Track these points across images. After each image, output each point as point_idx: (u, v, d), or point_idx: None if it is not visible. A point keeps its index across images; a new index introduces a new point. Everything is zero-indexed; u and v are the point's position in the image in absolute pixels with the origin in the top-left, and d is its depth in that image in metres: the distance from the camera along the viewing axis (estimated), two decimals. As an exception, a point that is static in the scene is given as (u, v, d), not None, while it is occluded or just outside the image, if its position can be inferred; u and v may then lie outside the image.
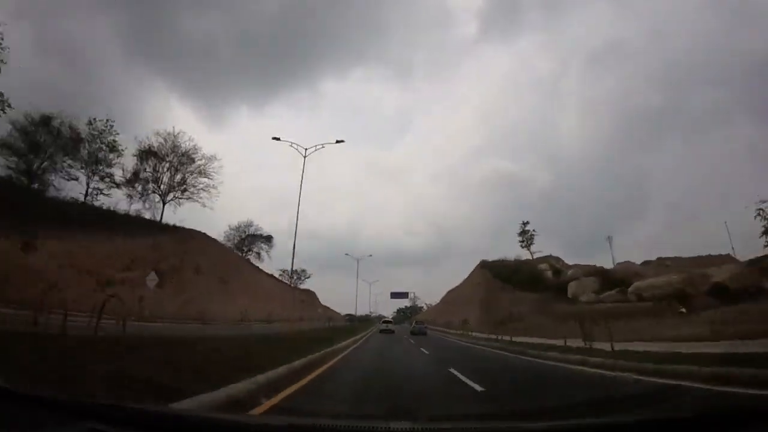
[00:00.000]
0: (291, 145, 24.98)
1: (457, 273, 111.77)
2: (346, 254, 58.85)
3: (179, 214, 59.01)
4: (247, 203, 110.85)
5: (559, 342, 15.05)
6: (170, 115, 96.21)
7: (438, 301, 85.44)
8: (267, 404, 3.97)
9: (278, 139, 25.04)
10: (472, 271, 64.30)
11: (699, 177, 75.23)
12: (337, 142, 26.03)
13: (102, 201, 37.41)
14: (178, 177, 43.28)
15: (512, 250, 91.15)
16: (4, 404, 2.07)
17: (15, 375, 3.61)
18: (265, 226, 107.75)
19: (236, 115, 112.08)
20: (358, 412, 4.04)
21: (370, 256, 69.85)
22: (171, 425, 2.14)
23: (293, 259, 27.15)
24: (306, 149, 24.90)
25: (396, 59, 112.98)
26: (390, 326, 41.11)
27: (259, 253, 63.05)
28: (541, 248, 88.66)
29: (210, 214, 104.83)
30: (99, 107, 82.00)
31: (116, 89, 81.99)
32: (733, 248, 41.07)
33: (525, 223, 60.62)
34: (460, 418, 3.80)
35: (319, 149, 25.22)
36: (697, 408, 3.72)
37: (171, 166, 42.95)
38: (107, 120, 36.75)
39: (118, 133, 37.31)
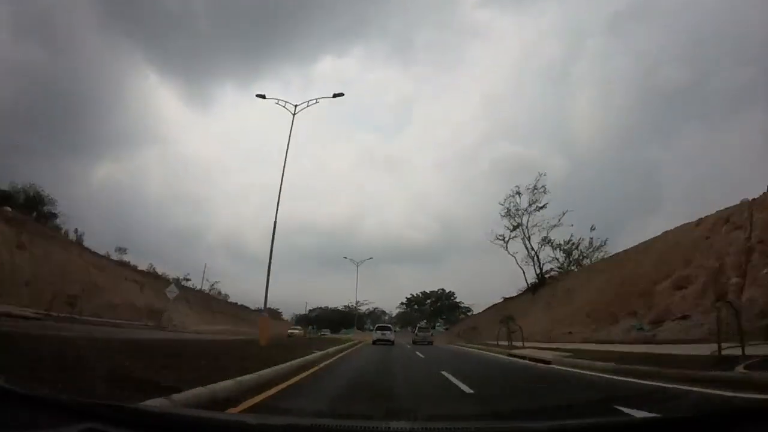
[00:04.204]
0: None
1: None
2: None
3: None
4: (237, 197, 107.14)
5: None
6: (147, 86, 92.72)
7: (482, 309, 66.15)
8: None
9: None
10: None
11: (717, 167, 73.38)
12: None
13: None
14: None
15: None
16: (4, 404, 2.11)
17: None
18: (262, 220, 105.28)
19: (221, 94, 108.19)
20: (359, 412, 4.11)
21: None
22: (171, 425, 2.19)
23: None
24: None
25: (398, 40, 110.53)
26: (388, 334, 30.05)
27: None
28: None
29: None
30: (74, 80, 78.08)
31: (92, 61, 79.04)
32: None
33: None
34: (459, 418, 3.90)
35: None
36: (697, 408, 3.85)
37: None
38: None
39: None
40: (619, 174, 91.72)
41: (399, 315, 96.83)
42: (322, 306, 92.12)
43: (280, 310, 77.59)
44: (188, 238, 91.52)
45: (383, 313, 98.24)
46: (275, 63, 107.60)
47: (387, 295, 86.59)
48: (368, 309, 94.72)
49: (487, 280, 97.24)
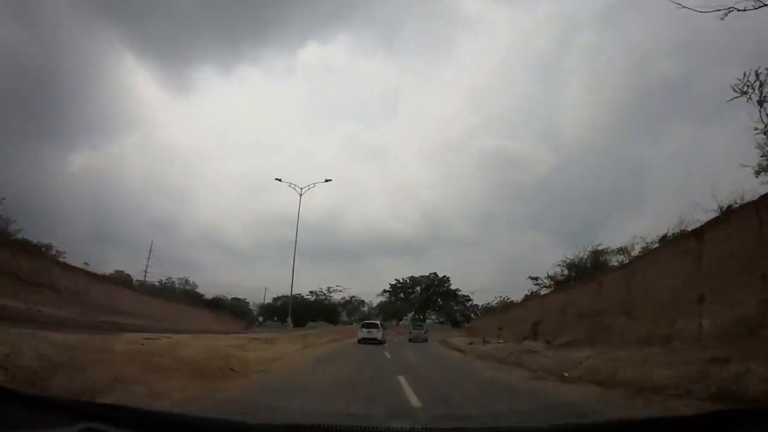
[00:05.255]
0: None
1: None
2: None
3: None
4: (219, 186, 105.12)
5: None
6: (124, 69, 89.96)
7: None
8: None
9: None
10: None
11: (702, 166, 73.96)
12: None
13: None
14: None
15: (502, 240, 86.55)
16: (4, 404, 2.13)
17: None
18: (241, 216, 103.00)
19: (201, 79, 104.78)
20: (359, 412, 4.12)
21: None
22: (171, 425, 2.22)
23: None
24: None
25: (385, 28, 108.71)
26: (375, 332, 26.36)
27: None
28: (534, 238, 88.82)
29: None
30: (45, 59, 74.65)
31: (65, 39, 76.16)
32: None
33: None
34: (459, 419, 3.93)
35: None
36: (697, 408, 3.91)
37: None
38: None
39: None
40: (605, 169, 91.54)
41: (381, 306, 78.62)
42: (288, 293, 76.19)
43: (247, 300, 68.74)
44: (167, 228, 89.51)
45: (362, 303, 79.87)
46: (257, 47, 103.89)
47: (370, 290, 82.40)
48: (343, 298, 77.17)
49: (476, 272, 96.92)
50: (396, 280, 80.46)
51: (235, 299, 63.99)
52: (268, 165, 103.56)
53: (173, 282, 54.62)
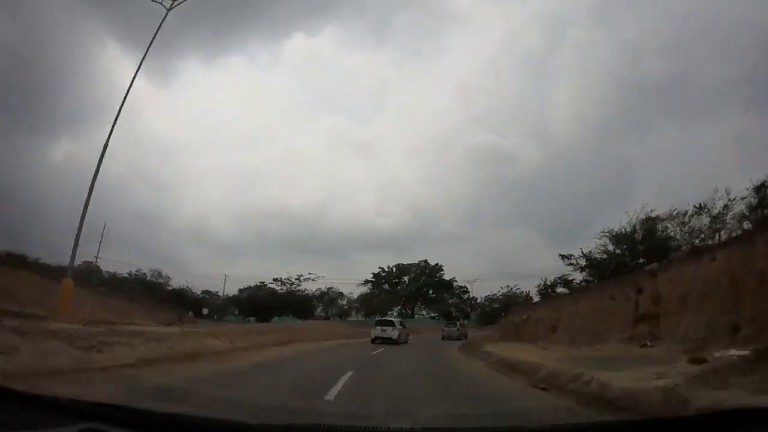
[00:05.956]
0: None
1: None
2: None
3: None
4: (203, 178, 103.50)
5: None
6: (106, 55, 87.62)
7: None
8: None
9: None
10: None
11: (689, 168, 74.77)
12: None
13: None
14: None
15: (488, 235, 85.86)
16: (4, 404, 2.14)
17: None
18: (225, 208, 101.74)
19: (184, 68, 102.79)
20: (359, 412, 4.11)
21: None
22: (171, 425, 2.23)
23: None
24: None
25: (375, 21, 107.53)
26: (389, 331, 23.64)
27: None
28: (521, 236, 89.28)
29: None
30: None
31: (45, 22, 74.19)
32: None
33: None
34: (460, 418, 3.94)
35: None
36: (697, 408, 3.95)
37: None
38: None
39: None
40: (593, 167, 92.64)
41: (362, 298, 66.59)
42: (257, 284, 62.97)
43: (218, 292, 63.88)
44: (151, 222, 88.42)
45: (340, 295, 67.05)
46: (242, 37, 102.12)
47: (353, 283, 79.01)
48: (319, 289, 64.99)
49: (464, 269, 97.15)
50: (380, 268, 70.48)
51: (206, 292, 62.09)
52: (253, 158, 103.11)
53: (144, 274, 53.94)
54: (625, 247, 22.86)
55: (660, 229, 21.52)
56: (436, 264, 70.22)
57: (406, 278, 71.66)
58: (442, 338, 32.31)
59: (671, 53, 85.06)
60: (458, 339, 30.58)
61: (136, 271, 53.15)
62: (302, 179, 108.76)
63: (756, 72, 74.09)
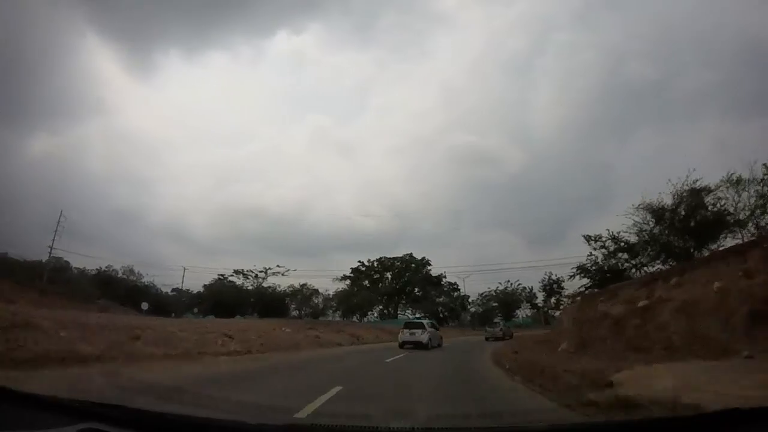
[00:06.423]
0: None
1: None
2: None
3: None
4: (183, 176, 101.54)
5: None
6: (85, 47, 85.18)
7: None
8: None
9: None
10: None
11: (668, 173, 76.61)
12: None
13: None
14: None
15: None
16: (4, 404, 2.14)
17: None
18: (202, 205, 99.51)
19: (166, 63, 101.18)
20: (359, 412, 4.06)
21: None
22: (170, 425, 2.26)
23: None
24: None
25: (360, 20, 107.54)
26: (418, 334, 21.82)
27: None
28: (502, 238, 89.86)
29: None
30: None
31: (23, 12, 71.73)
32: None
33: None
34: (460, 418, 3.93)
35: None
36: (697, 408, 3.99)
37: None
38: None
39: None
40: (575, 170, 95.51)
41: (339, 295, 58.28)
42: (216, 277, 57.80)
43: (189, 290, 60.30)
44: (129, 219, 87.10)
45: (315, 292, 58.15)
46: (225, 33, 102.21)
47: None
48: (291, 286, 57.64)
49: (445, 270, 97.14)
50: (359, 262, 63.65)
51: (176, 290, 60.67)
52: (234, 155, 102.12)
53: (115, 270, 53.59)
54: (665, 225, 18.91)
55: (710, 202, 17.78)
56: (423, 258, 63.46)
57: (389, 274, 64.82)
58: (486, 339, 32.16)
59: (654, 58, 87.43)
60: (502, 339, 30.34)
61: (107, 267, 52.95)
62: (283, 178, 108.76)
63: (735, 79, 77.05)
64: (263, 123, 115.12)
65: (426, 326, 23.13)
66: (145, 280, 55.26)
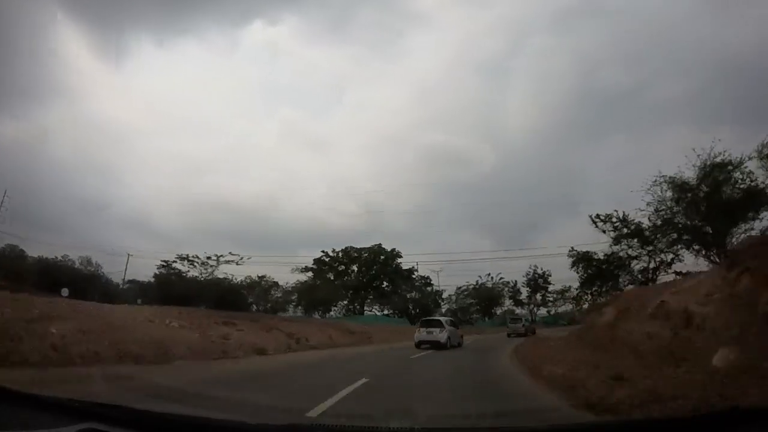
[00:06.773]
0: None
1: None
2: None
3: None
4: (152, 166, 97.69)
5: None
6: (53, 27, 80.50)
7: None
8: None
9: None
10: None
11: (638, 178, 79.27)
12: None
13: None
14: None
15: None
16: (4, 404, 2.15)
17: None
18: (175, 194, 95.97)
19: (137, 50, 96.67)
20: (359, 413, 3.95)
21: None
22: (170, 425, 2.28)
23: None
24: None
25: (338, 15, 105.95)
26: (436, 333, 20.30)
27: None
28: (473, 239, 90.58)
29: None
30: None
31: None
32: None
33: None
34: (460, 418, 3.87)
35: None
36: (697, 408, 4.07)
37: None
38: None
39: None
40: (545, 174, 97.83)
41: (300, 288, 48.36)
42: (161, 264, 44.94)
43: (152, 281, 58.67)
44: (93, 210, 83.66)
45: (274, 285, 45.70)
46: (199, 20, 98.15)
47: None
48: (248, 278, 44.84)
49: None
50: (323, 252, 57.23)
51: (131, 281, 59.05)
52: (204, 146, 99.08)
53: (72, 261, 51.10)
54: (685, 205, 16.27)
55: (738, 178, 15.28)
56: (393, 249, 59.10)
57: (355, 267, 59.64)
58: (508, 335, 32.18)
59: (627, 66, 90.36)
60: (525, 335, 30.66)
61: (63, 256, 50.77)
62: (253, 171, 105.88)
63: (706, 89, 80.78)
64: (235, 114, 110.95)
65: (444, 324, 21.48)
66: (104, 270, 53.61)
